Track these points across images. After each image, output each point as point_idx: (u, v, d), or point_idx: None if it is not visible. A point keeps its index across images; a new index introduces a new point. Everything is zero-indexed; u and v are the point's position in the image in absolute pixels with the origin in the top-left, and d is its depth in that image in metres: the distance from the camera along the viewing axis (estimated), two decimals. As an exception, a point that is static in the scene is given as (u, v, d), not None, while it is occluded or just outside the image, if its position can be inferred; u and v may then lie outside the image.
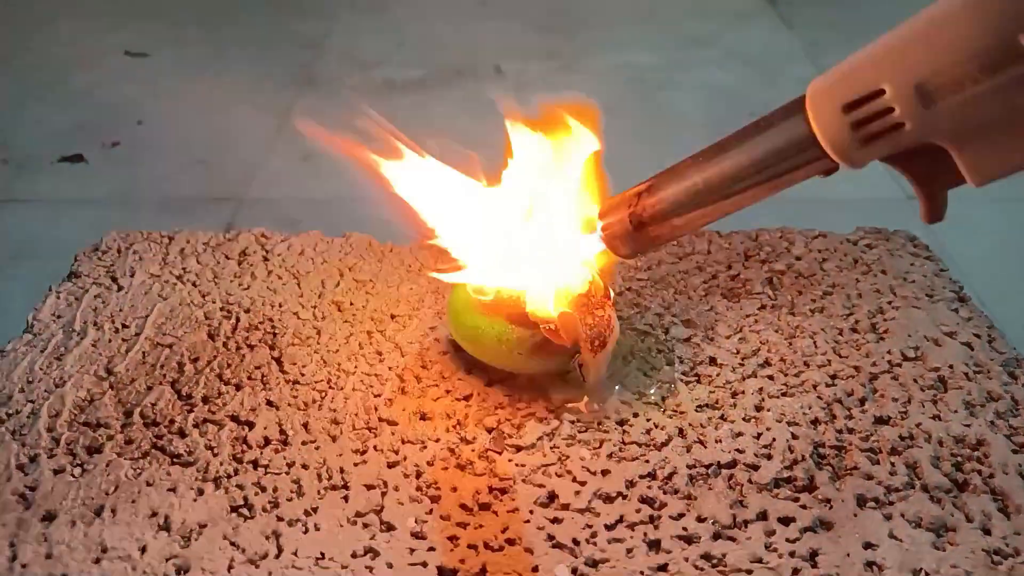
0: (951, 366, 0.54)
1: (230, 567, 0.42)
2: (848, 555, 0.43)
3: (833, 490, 0.46)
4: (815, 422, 0.50)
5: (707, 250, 0.66)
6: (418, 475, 0.47)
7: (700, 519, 0.44)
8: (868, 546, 0.43)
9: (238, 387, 0.53)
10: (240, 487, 0.46)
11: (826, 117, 0.35)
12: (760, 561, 0.42)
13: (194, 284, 0.62)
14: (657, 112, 1.58)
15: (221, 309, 0.59)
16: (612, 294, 0.52)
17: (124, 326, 0.58)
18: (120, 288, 0.61)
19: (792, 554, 0.43)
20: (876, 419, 0.51)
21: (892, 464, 0.48)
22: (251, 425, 0.50)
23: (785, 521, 0.44)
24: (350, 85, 1.62)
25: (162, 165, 1.44)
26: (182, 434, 0.49)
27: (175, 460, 0.48)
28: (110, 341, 0.56)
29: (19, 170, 1.38)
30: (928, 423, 0.50)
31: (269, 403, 0.51)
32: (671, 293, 0.61)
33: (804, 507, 0.45)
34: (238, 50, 1.82)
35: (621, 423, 0.50)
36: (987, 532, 0.44)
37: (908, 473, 0.47)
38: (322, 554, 0.43)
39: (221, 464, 0.47)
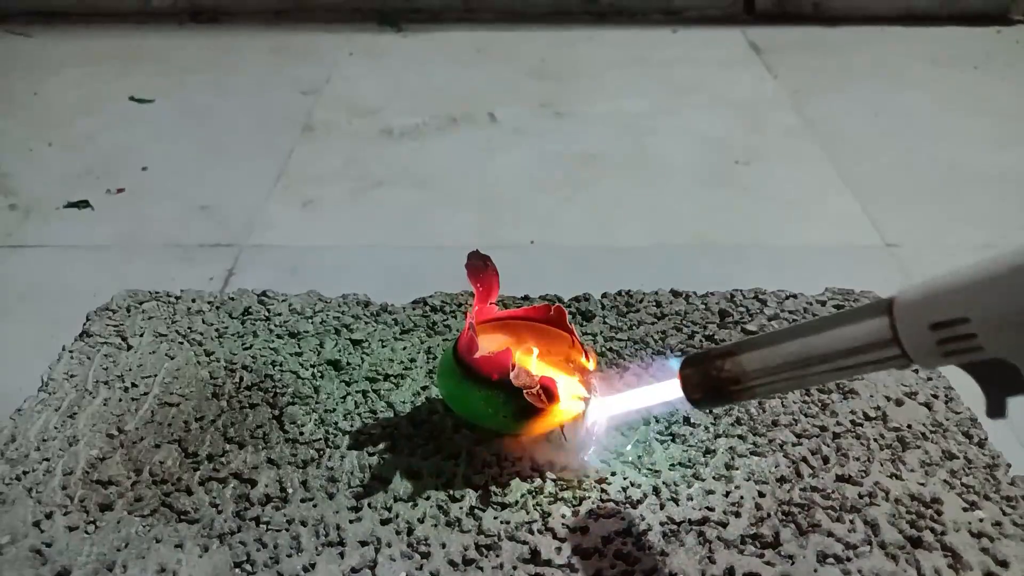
0: (910, 426, 0.58)
1: (233, 621, 0.45)
2: (808, 610, 0.46)
3: (796, 547, 0.49)
4: (781, 480, 0.54)
5: (684, 311, 0.70)
6: (409, 532, 0.50)
7: (671, 575, 0.48)
8: (826, 601, 0.46)
9: (241, 445, 0.56)
10: (243, 543, 0.49)
11: (913, 330, 0.38)
12: (726, 616, 0.46)
13: (200, 343, 0.65)
14: (646, 157, 1.63)
15: (225, 368, 0.63)
16: (594, 360, 0.56)
17: (133, 385, 0.61)
18: (129, 347, 0.65)
19: (756, 609, 0.46)
20: (838, 477, 0.54)
21: (851, 522, 0.51)
22: (253, 483, 0.53)
23: (750, 577, 0.48)
24: (348, 132, 1.67)
25: (165, 211, 1.49)
26: (188, 492, 0.53)
27: (182, 517, 0.51)
28: (120, 400, 0.60)
29: (27, 215, 1.42)
30: (886, 481, 0.54)
31: (270, 461, 0.55)
32: (649, 353, 0.65)
33: (768, 563, 0.48)
34: (239, 96, 1.88)
35: (600, 481, 0.54)
36: (937, 587, 0.47)
37: (866, 530, 0.51)
38: (319, 609, 0.46)
39: (225, 521, 0.51)
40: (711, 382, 0.46)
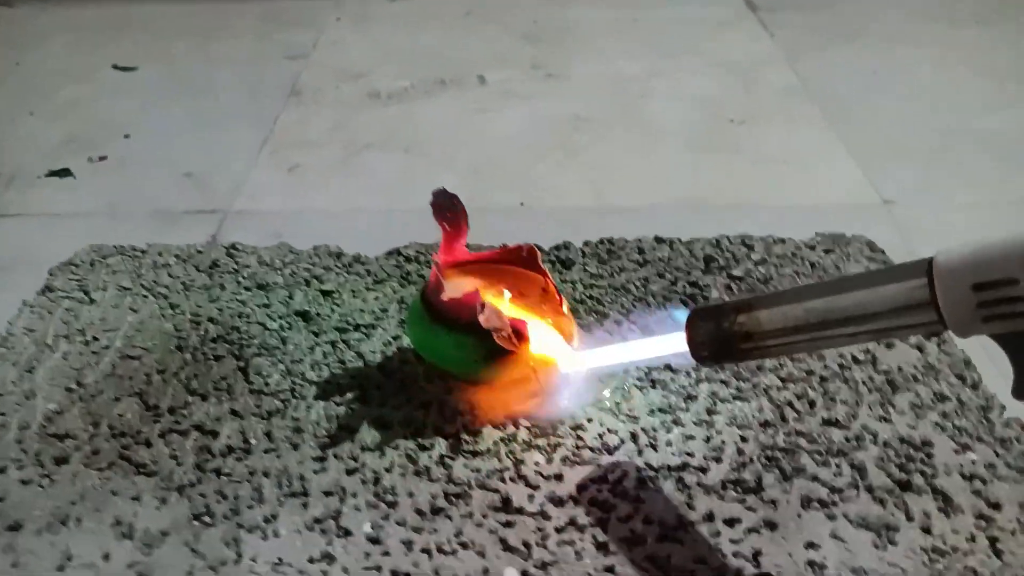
0: (900, 368, 0.56)
1: (190, 573, 0.43)
2: (790, 555, 0.44)
3: (779, 492, 0.47)
4: (765, 425, 0.52)
5: (668, 257, 0.67)
6: (376, 481, 0.48)
7: (647, 521, 0.46)
8: (810, 546, 0.44)
9: (204, 397, 0.54)
10: (203, 495, 0.47)
11: (954, 291, 0.36)
12: (703, 562, 0.43)
13: (165, 297, 0.63)
14: (638, 119, 1.59)
15: (190, 321, 0.60)
16: (566, 304, 0.54)
17: (95, 339, 0.59)
18: (92, 301, 0.63)
19: (735, 555, 0.44)
20: (824, 421, 0.52)
21: (837, 466, 0.49)
22: (215, 434, 0.51)
23: (730, 523, 0.46)
24: (335, 97, 1.64)
25: (148, 178, 1.45)
26: (148, 444, 0.51)
27: (140, 470, 0.49)
28: (80, 354, 0.58)
29: (7, 185, 1.39)
30: (875, 425, 0.52)
31: (233, 413, 0.53)
32: (631, 300, 0.62)
33: (750, 509, 0.46)
34: (225, 63, 1.84)
35: (576, 428, 0.51)
36: (927, 531, 0.45)
37: (853, 474, 0.48)
38: (280, 559, 0.44)
39: (184, 473, 0.49)
40: (722, 337, 0.42)
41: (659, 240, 0.69)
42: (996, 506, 0.46)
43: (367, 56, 1.83)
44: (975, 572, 0.42)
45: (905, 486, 0.47)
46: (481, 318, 0.49)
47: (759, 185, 1.37)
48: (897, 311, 0.38)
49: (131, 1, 2.05)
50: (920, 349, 0.57)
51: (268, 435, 0.51)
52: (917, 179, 1.38)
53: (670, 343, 0.47)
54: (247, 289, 0.64)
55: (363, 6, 2.05)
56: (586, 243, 0.69)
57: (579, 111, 1.65)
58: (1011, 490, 0.47)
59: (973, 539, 0.44)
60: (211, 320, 0.60)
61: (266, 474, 0.48)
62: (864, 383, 0.55)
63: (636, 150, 1.47)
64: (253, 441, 0.51)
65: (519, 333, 0.50)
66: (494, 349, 0.50)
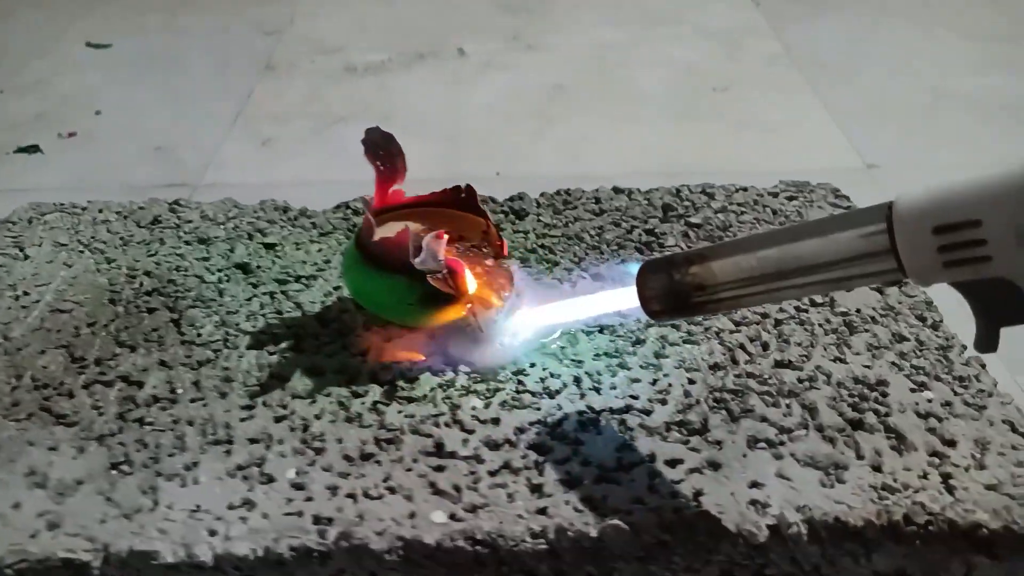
0: (858, 310, 0.53)
1: (103, 521, 0.41)
2: (733, 494, 0.42)
3: (725, 432, 0.45)
4: (715, 367, 0.49)
5: (625, 207, 0.65)
6: (305, 428, 0.46)
7: (585, 463, 0.44)
8: (755, 485, 0.42)
9: (133, 348, 0.52)
10: (122, 444, 0.45)
11: (913, 234, 0.33)
12: (640, 502, 0.41)
13: (101, 252, 0.61)
14: (619, 88, 1.56)
15: (126, 275, 0.58)
16: (507, 246, 0.51)
17: (25, 294, 0.57)
18: (27, 258, 0.60)
19: (674, 495, 0.42)
20: (777, 363, 0.50)
21: (788, 406, 0.47)
22: (141, 385, 0.49)
23: (672, 463, 0.44)
24: (310, 70, 1.61)
25: (118, 154, 1.43)
26: (70, 395, 0.49)
27: (60, 420, 0.47)
28: (9, 308, 0.55)
29: (-26, 161, 1.37)
30: (829, 365, 0.49)
31: (162, 363, 0.51)
32: (583, 248, 0.60)
33: (694, 450, 0.44)
34: (200, 38, 1.81)
35: (517, 373, 0.49)
36: (877, 469, 0.43)
37: (803, 414, 0.46)
38: (197, 506, 0.42)
39: (106, 423, 0.47)
40: (674, 289, 0.40)
41: (617, 190, 0.67)
42: (951, 443, 0.44)
43: (344, 30, 1.81)
44: (924, 507, 0.40)
45: (857, 425, 0.45)
46: (416, 260, 0.47)
47: (741, 152, 1.35)
48: (854, 259, 0.36)
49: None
50: (880, 291, 0.55)
51: (196, 384, 0.49)
52: (901, 143, 1.35)
53: (620, 298, 0.45)
54: (187, 243, 0.61)
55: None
56: (542, 194, 0.67)
57: (558, 81, 1.63)
58: (967, 427, 0.45)
59: (925, 476, 0.42)
60: (147, 274, 0.58)
61: (190, 423, 0.46)
62: (821, 325, 0.52)
63: (615, 119, 1.45)
64: (180, 391, 0.49)
65: (455, 275, 0.48)
66: (429, 292, 0.48)
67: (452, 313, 0.49)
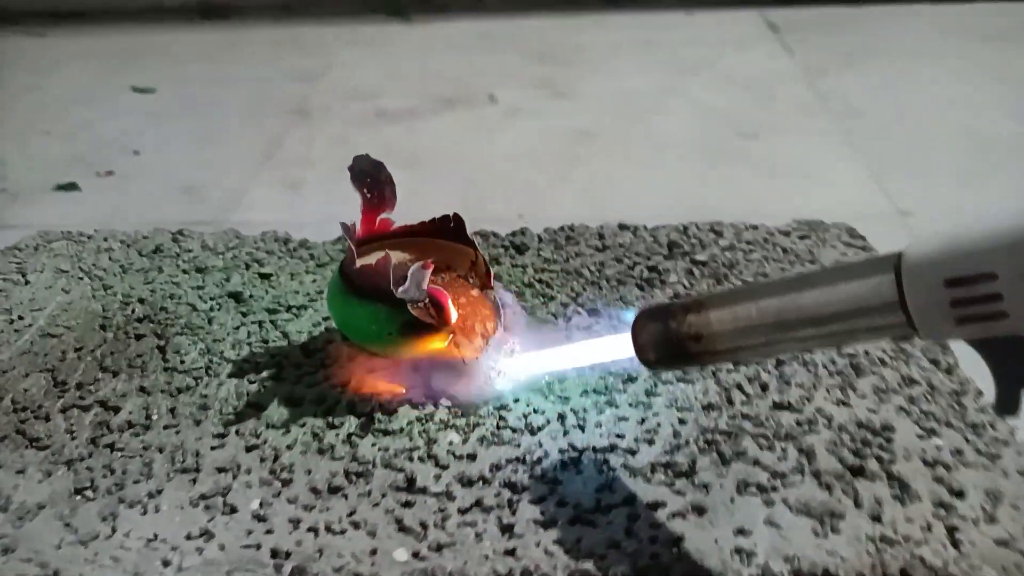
0: (867, 352, 0.50)
1: (58, 547, 0.40)
2: (716, 541, 0.39)
3: (714, 476, 0.42)
4: (709, 407, 0.47)
5: (629, 243, 0.63)
6: (275, 459, 0.45)
7: (562, 503, 0.41)
8: (741, 532, 0.39)
9: (115, 374, 0.51)
10: (90, 469, 0.44)
11: (924, 287, 0.31)
12: (616, 546, 0.39)
13: (100, 279, 0.61)
14: (646, 134, 1.55)
15: (120, 301, 0.58)
16: (492, 275, 0.50)
17: (20, 318, 0.57)
18: (27, 283, 0.61)
19: (653, 539, 0.39)
20: (775, 404, 0.47)
21: (783, 450, 0.44)
22: (117, 410, 0.48)
23: (653, 506, 0.41)
24: (342, 115, 1.63)
25: (151, 192, 1.45)
26: (46, 419, 0.48)
27: (32, 443, 0.46)
28: (2, 332, 0.56)
29: (14, 198, 1.41)
30: (831, 408, 0.46)
31: (141, 389, 0.50)
32: (582, 283, 0.58)
33: (679, 493, 0.42)
34: (238, 85, 1.86)
35: (500, 408, 0.47)
36: (876, 519, 0.40)
37: (799, 459, 0.43)
38: (155, 535, 0.40)
39: (77, 447, 0.46)
40: (670, 339, 0.38)
41: (623, 227, 0.66)
42: (959, 493, 0.40)
43: (378, 78, 1.84)
44: (924, 561, 0.37)
45: (857, 471, 0.42)
46: (400, 289, 0.46)
47: (769, 198, 1.31)
48: (860, 311, 0.33)
49: (156, 30, 2.10)
50: (891, 332, 0.52)
51: (172, 411, 0.48)
52: (936, 189, 1.31)
53: (615, 347, 0.43)
54: (185, 272, 0.61)
55: (379, 31, 2.07)
56: (545, 229, 0.66)
57: (585, 126, 1.62)
58: (978, 476, 0.41)
59: (929, 528, 0.39)
60: (141, 301, 0.58)
61: (160, 450, 0.45)
62: (825, 366, 0.49)
63: (641, 164, 1.44)
64: (155, 417, 0.48)
65: (439, 306, 0.46)
66: (409, 321, 0.46)
67: (435, 344, 0.48)
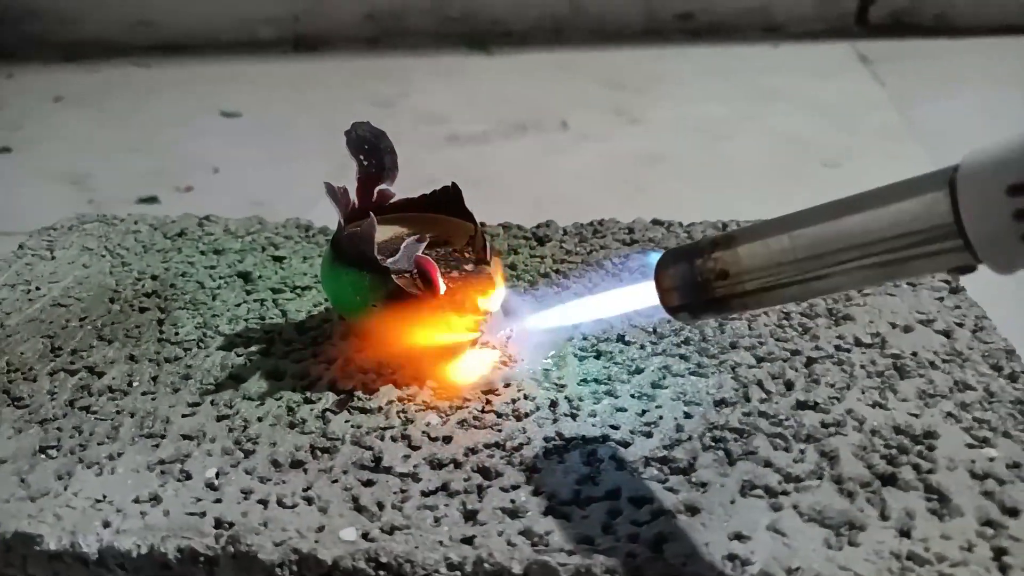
0: (915, 353, 0.44)
1: (6, 501, 0.38)
2: (707, 545, 0.33)
3: (715, 474, 0.37)
4: (721, 403, 0.41)
5: (660, 238, 0.58)
6: (244, 429, 0.42)
7: (536, 493, 0.37)
8: (737, 537, 0.34)
9: (110, 342, 0.50)
10: (60, 429, 0.43)
11: (981, 197, 0.26)
12: (590, 542, 0.34)
13: (120, 257, 0.61)
14: (719, 160, 1.49)
15: (134, 278, 0.58)
16: (491, 253, 0.46)
17: (37, 288, 0.57)
18: (53, 258, 0.61)
19: (633, 537, 0.34)
20: (799, 403, 0.41)
21: (802, 451, 0.38)
22: (102, 375, 0.47)
23: (639, 502, 0.36)
24: (412, 138, 1.65)
25: (223, 206, 1.49)
26: (34, 380, 0.47)
27: (14, 402, 0.45)
28: (16, 300, 0.56)
29: (98, 208, 1.47)
30: (864, 410, 0.40)
31: (131, 357, 0.49)
32: (601, 275, 0.54)
33: (671, 490, 0.36)
34: (318, 111, 1.92)
35: (488, 392, 0.43)
36: (905, 534, 0.33)
37: (820, 462, 0.37)
38: (103, 496, 0.38)
39: (54, 408, 0.44)
40: (695, 279, 0.33)
41: (656, 222, 0.61)
42: (1012, 512, 0.34)
43: (452, 104, 1.86)
44: (954, 583, 0.30)
45: (888, 480, 0.36)
46: (390, 260, 0.43)
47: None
48: (909, 235, 0.27)
49: (250, 61, 2.21)
50: (947, 335, 0.45)
51: (154, 379, 0.46)
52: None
53: (637, 295, 0.38)
54: (202, 253, 0.61)
55: (459, 62, 2.10)
56: (574, 223, 0.62)
57: (656, 150, 1.58)
58: (1039, 494, 0.34)
59: (970, 548, 0.32)
60: (153, 277, 0.57)
61: (132, 414, 0.43)
62: (863, 366, 0.43)
63: (711, 189, 1.38)
64: (135, 384, 0.46)
65: (426, 276, 0.43)
66: (394, 291, 0.43)
67: (421, 319, 0.44)
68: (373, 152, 0.48)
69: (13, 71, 2.15)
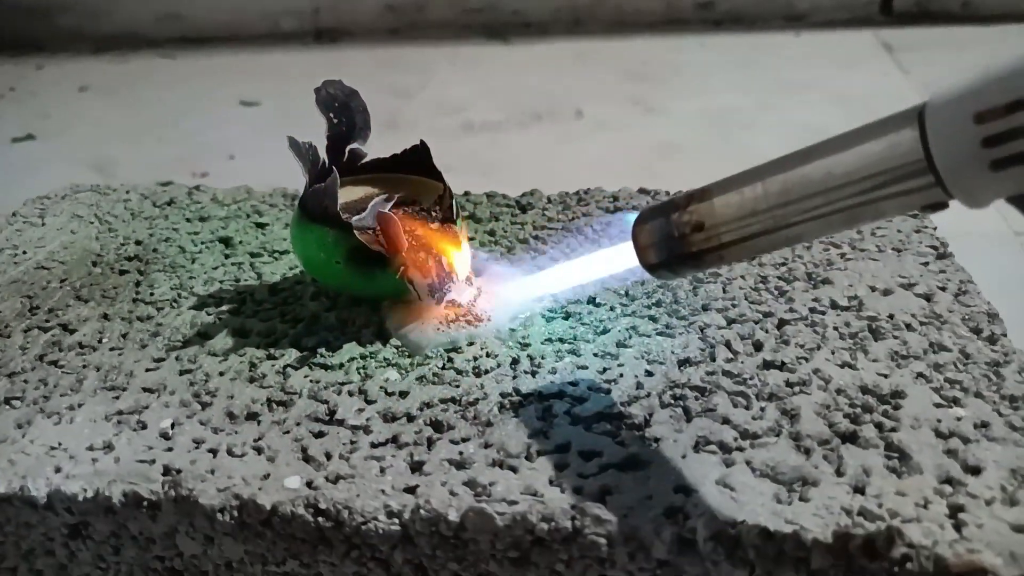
0: (891, 316, 0.42)
1: (-36, 448, 0.39)
2: (650, 497, 0.32)
3: (670, 430, 0.36)
4: (685, 362, 0.40)
5: (645, 205, 0.57)
6: (205, 383, 0.42)
7: (486, 446, 0.36)
8: (681, 490, 0.33)
9: (86, 302, 0.51)
10: (26, 381, 0.43)
11: (949, 127, 0.26)
12: (534, 494, 0.33)
13: (108, 224, 0.61)
14: (736, 150, 1.47)
15: (119, 243, 0.58)
16: (458, 215, 0.46)
17: (24, 252, 0.58)
18: (43, 224, 0.62)
19: (578, 490, 0.33)
20: (765, 363, 0.40)
21: (762, 409, 0.37)
22: (73, 332, 0.47)
23: (587, 455, 0.35)
24: (429, 127, 1.65)
25: (237, 191, 1.49)
26: (8, 336, 0.48)
27: (-15, 357, 0.46)
28: (2, 264, 0.57)
29: (116, 193, 1.48)
30: (831, 370, 0.39)
31: (104, 316, 0.49)
32: (579, 240, 0.53)
33: (620, 444, 0.35)
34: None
35: (450, 350, 0.43)
36: (859, 490, 0.32)
37: (779, 420, 0.36)
38: (59, 444, 0.38)
39: (23, 362, 0.45)
40: (672, 233, 0.33)
41: (643, 191, 0.60)
42: (974, 470, 0.32)
43: (469, 94, 1.86)
44: (902, 536, 0.29)
45: (849, 438, 0.34)
46: (355, 218, 0.43)
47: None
48: (877, 173, 0.27)
49: (272, 52, 2.23)
50: (927, 298, 0.44)
51: (124, 336, 0.46)
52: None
53: (614, 256, 0.37)
54: (188, 220, 0.61)
55: (478, 52, 2.10)
56: (559, 192, 0.61)
57: (671, 140, 1.56)
58: (1004, 453, 0.33)
59: (925, 505, 0.31)
60: (137, 243, 0.58)
61: (98, 368, 0.44)
62: (836, 328, 0.42)
63: (724, 175, 1.36)
64: (105, 340, 0.46)
65: (387, 231, 0.43)
66: (357, 247, 0.43)
67: (383, 278, 0.44)
68: (343, 110, 0.48)
69: (43, 63, 2.20)
